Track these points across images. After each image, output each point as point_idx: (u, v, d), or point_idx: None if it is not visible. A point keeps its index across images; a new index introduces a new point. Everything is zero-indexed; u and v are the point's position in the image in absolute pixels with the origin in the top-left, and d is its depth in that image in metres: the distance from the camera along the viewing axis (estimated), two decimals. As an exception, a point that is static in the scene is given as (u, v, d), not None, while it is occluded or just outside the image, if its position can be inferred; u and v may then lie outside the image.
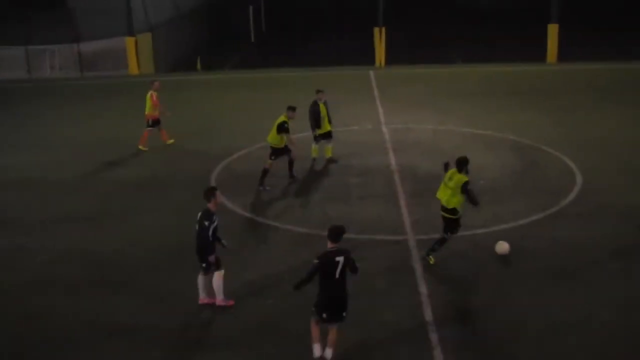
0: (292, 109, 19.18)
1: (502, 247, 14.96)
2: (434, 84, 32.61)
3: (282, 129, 18.93)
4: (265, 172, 19.27)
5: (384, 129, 24.74)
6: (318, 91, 21.10)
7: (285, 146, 19.25)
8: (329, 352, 11.42)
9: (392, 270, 14.39)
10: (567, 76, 33.68)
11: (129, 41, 37.25)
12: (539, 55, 37.02)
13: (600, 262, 14.76)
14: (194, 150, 22.91)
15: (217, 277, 13.16)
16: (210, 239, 12.88)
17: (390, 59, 37.55)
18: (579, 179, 19.31)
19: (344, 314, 11.34)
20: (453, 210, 14.39)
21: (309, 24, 56.61)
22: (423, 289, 13.72)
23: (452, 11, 56.87)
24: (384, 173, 20.33)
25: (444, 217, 14.60)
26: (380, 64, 37.68)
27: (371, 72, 35.55)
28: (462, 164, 14.25)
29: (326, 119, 20.94)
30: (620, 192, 18.24)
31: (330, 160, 21.29)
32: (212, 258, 12.93)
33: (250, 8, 50.75)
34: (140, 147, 23.03)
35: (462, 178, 14.12)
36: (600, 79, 32.58)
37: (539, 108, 27.19)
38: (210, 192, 13.14)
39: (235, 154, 22.27)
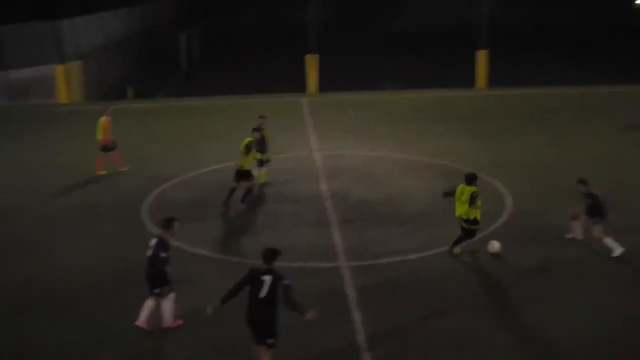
0: (257, 130, 19.97)
1: (493, 246, 16.14)
2: (366, 110, 32.88)
3: (249, 148, 19.22)
4: (249, 190, 19.48)
5: (317, 155, 24.79)
6: (261, 117, 21.13)
7: (248, 171, 19.43)
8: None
9: (325, 298, 14.30)
10: (496, 101, 34.40)
11: (59, 69, 36.67)
12: (469, 81, 37.68)
13: (533, 281, 14.98)
14: (125, 178, 22.53)
15: (169, 301, 13.06)
16: (165, 269, 12.81)
17: (323, 86, 37.76)
18: (508, 202, 19.63)
19: (270, 341, 10.94)
20: (474, 221, 15.79)
21: (242, 51, 56.67)
22: (357, 315, 13.67)
23: (385, 37, 57.71)
24: (316, 200, 20.31)
25: (464, 228, 15.96)
26: (313, 90, 37.85)
27: (304, 99, 35.67)
28: (471, 179, 15.85)
29: (268, 145, 21.00)
30: (549, 214, 18.58)
31: (265, 184, 21.24)
32: (165, 288, 12.87)
33: (182, 36, 50.53)
34: (121, 169, 23.19)
35: (471, 188, 15.67)
36: (528, 104, 33.38)
37: (470, 133, 27.65)
38: (168, 223, 12.96)
39: (169, 182, 22.02)
